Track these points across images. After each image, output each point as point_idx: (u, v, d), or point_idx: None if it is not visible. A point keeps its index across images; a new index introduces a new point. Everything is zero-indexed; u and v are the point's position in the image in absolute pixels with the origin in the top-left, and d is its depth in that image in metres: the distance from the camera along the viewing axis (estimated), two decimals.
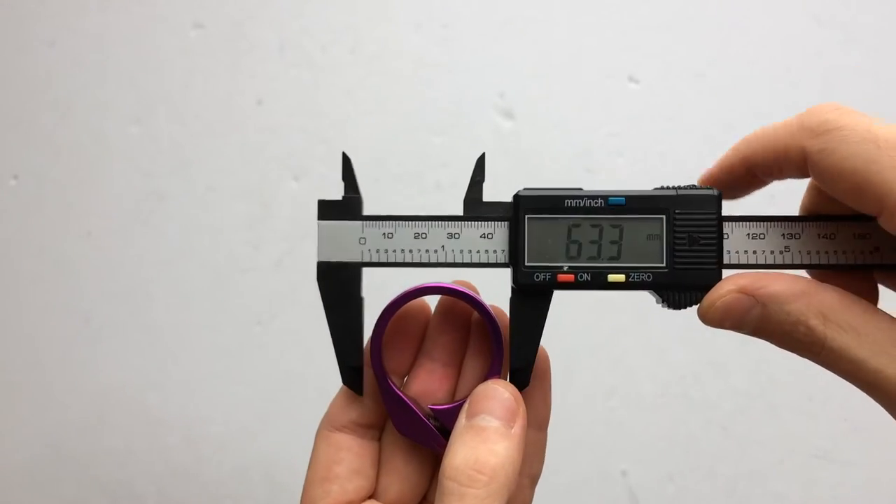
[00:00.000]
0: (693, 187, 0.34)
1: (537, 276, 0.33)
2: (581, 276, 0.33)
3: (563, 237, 0.33)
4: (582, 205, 0.34)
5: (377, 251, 0.34)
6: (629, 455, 0.72)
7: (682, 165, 0.75)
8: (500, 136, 0.78)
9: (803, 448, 0.71)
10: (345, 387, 0.35)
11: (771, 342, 0.31)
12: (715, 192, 0.33)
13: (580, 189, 0.34)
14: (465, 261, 0.34)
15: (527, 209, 0.34)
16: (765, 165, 0.32)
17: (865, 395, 0.30)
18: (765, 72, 0.75)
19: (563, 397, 0.72)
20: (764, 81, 0.75)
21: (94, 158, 0.83)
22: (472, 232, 0.34)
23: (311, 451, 0.35)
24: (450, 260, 0.34)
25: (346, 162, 0.36)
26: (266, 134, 0.81)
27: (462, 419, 0.32)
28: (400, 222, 0.34)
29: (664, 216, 0.33)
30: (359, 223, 0.35)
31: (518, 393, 0.33)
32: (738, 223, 0.33)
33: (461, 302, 0.36)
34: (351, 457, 0.34)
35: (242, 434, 0.77)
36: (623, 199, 0.33)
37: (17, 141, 0.85)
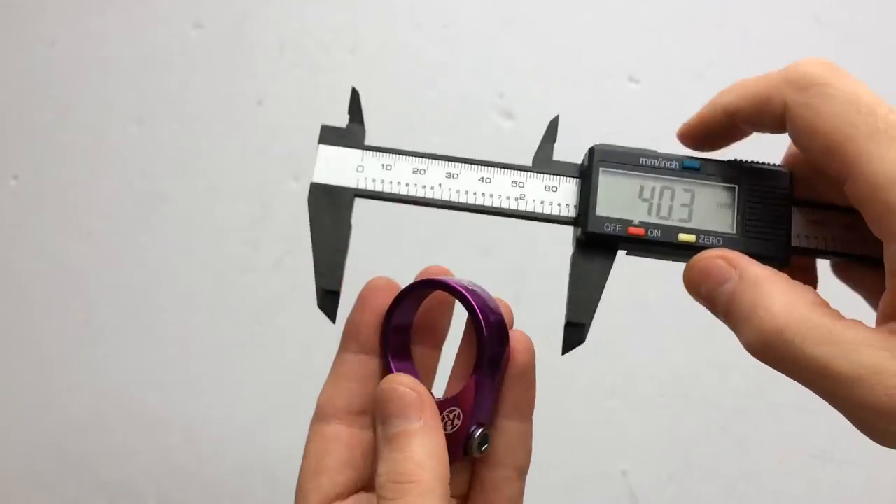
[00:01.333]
0: (766, 163, 0.33)
1: (608, 227, 0.32)
2: (651, 233, 0.32)
3: (635, 194, 0.33)
4: (657, 164, 0.33)
5: (373, 180, 0.34)
6: (629, 455, 0.72)
7: None
8: (500, 136, 0.78)
9: (803, 448, 0.71)
10: (333, 371, 0.34)
11: (732, 329, 0.30)
12: (787, 169, 0.33)
13: (654, 150, 0.34)
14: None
15: (601, 160, 0.33)
16: (744, 114, 0.32)
17: None
18: (765, 72, 0.75)
19: (563, 397, 0.72)
20: None
21: (94, 158, 0.83)
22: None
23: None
24: (446, 198, 0.34)
25: (355, 95, 0.36)
26: (266, 134, 0.81)
27: (378, 428, 0.31)
28: (400, 156, 0.35)
29: (736, 186, 0.33)
30: (359, 151, 0.34)
31: (415, 382, 0.31)
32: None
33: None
34: (340, 448, 0.33)
35: (242, 434, 0.77)
36: (698, 162, 0.33)
37: (17, 141, 0.85)
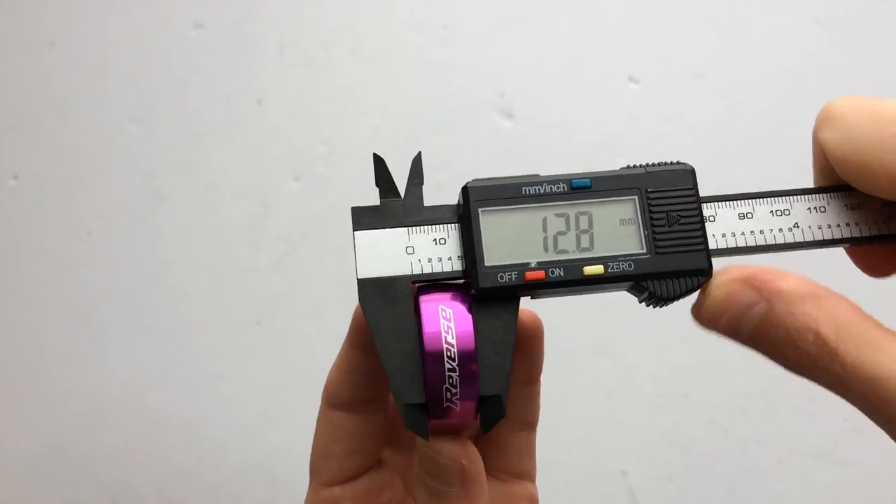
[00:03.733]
0: (663, 164, 0.30)
1: (501, 277, 0.28)
2: (553, 272, 0.28)
3: (525, 230, 0.29)
4: (542, 191, 0.29)
5: (429, 261, 0.29)
6: (629, 455, 0.72)
7: None
8: (500, 136, 0.78)
9: (803, 448, 0.71)
10: (339, 360, 0.33)
11: (767, 353, 0.27)
12: (688, 166, 0.30)
13: (536, 175, 0.30)
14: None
15: (478, 200, 0.29)
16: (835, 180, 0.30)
17: None
18: (765, 72, 0.75)
19: (563, 397, 0.72)
20: (764, 81, 0.75)
21: (94, 158, 0.83)
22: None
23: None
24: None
25: (379, 163, 0.31)
26: (266, 134, 0.81)
27: (417, 467, 0.30)
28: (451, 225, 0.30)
29: (636, 196, 0.29)
30: (404, 230, 0.29)
31: (460, 448, 0.29)
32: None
33: None
34: (346, 437, 0.33)
35: (242, 434, 0.77)
36: (588, 180, 0.29)
37: (17, 141, 0.85)
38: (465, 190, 0.29)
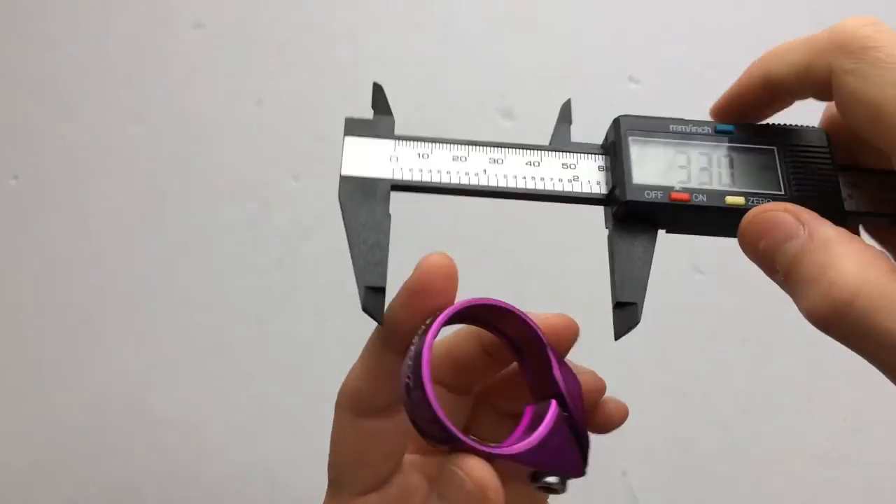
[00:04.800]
0: (793, 126, 0.32)
1: (648, 194, 0.30)
2: (696, 197, 0.30)
3: (670, 161, 0.31)
4: (688, 130, 0.32)
5: (410, 170, 0.31)
6: (629, 455, 0.72)
7: None
8: (500, 136, 0.78)
9: (803, 448, 0.71)
10: (368, 366, 0.31)
11: (793, 289, 0.26)
12: (822, 129, 0.31)
13: (682, 118, 0.32)
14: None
15: (630, 129, 0.31)
16: (786, 84, 0.30)
17: (866, 395, 0.29)
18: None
19: None
20: None
21: (94, 158, 0.83)
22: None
23: (331, 429, 0.32)
24: (492, 184, 0.31)
25: (378, 88, 0.33)
26: (266, 134, 0.81)
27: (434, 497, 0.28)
28: (437, 144, 0.31)
29: (775, 147, 0.31)
30: (391, 141, 0.31)
31: (488, 474, 0.26)
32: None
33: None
34: (382, 443, 0.31)
35: (242, 434, 0.77)
36: (731, 126, 0.32)
37: (17, 141, 0.85)
38: (617, 121, 0.32)
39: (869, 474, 0.70)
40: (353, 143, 0.31)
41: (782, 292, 0.27)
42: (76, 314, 0.80)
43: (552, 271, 0.73)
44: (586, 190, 0.31)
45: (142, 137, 0.83)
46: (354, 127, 0.32)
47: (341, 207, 0.30)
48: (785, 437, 0.71)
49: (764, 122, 0.32)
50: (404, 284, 0.30)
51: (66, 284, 0.81)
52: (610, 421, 0.33)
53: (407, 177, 0.31)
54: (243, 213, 0.80)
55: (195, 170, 0.81)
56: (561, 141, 0.33)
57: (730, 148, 0.31)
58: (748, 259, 0.28)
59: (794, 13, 0.76)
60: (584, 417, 0.31)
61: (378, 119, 0.32)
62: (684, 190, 0.30)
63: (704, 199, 0.30)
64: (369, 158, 0.31)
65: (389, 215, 0.30)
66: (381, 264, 0.29)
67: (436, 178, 0.31)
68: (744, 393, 0.72)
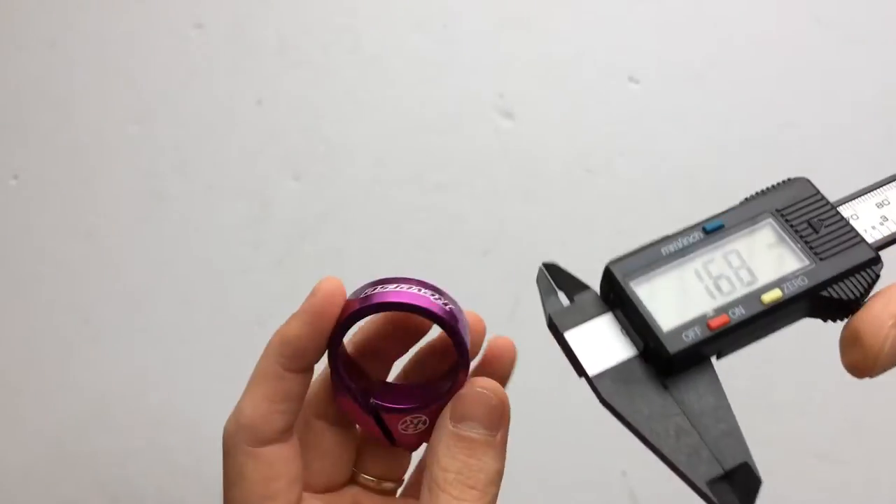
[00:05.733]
0: (773, 186, 0.30)
1: (686, 336, 0.27)
2: (733, 313, 0.27)
3: (683, 287, 0.28)
4: (680, 245, 0.29)
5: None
6: (629, 455, 0.72)
7: (683, 165, 0.75)
8: (500, 136, 0.78)
9: (803, 448, 0.71)
10: (266, 391, 0.32)
11: None
12: (802, 178, 0.30)
13: (666, 235, 0.29)
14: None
15: (626, 276, 0.28)
16: None
17: (866, 396, 0.29)
18: (765, 72, 0.75)
19: (562, 397, 0.72)
20: (764, 81, 0.75)
21: (94, 158, 0.83)
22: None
23: (223, 475, 0.32)
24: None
25: (551, 270, 0.30)
26: (266, 134, 0.81)
27: (447, 422, 0.30)
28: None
29: (770, 219, 0.29)
30: (608, 315, 0.28)
31: (505, 396, 0.30)
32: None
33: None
34: (286, 468, 0.32)
35: None
36: (720, 221, 0.29)
37: (17, 141, 0.85)
38: (608, 271, 0.29)
39: (869, 474, 0.70)
40: (575, 336, 0.28)
41: None
42: (76, 314, 0.80)
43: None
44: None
45: (142, 137, 0.83)
46: (565, 319, 0.28)
47: (616, 413, 0.26)
48: (785, 437, 0.71)
49: (741, 200, 0.30)
50: (303, 308, 0.32)
51: (66, 284, 0.81)
52: (497, 354, 0.34)
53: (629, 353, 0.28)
54: (243, 213, 0.80)
55: (195, 170, 0.82)
56: (562, 318, 0.29)
57: (729, 241, 0.29)
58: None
59: (795, 13, 0.76)
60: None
61: (577, 300, 0.29)
62: (719, 311, 0.27)
63: (744, 312, 0.27)
64: (604, 343, 0.28)
65: (665, 388, 0.27)
66: (703, 447, 0.26)
67: (629, 353, 0.28)
68: (744, 393, 0.72)
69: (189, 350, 0.78)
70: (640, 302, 0.27)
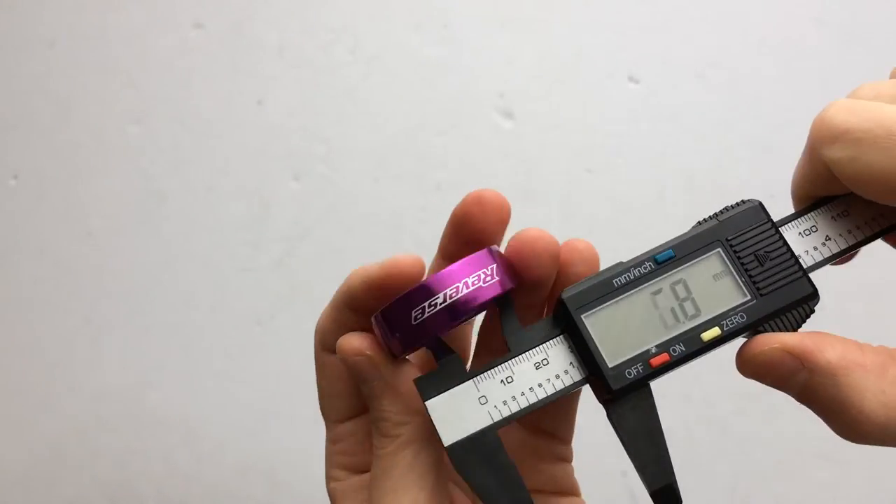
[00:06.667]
0: (730, 207, 0.30)
1: (629, 374, 0.29)
2: (674, 350, 0.29)
3: (631, 320, 0.29)
4: (632, 276, 0.30)
5: (505, 403, 0.29)
6: None
7: (682, 166, 0.75)
8: (500, 136, 0.78)
9: (803, 448, 0.71)
10: (331, 313, 0.34)
11: (816, 412, 0.28)
12: (754, 201, 0.30)
13: (620, 263, 0.30)
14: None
15: (578, 308, 0.29)
16: (813, 195, 0.30)
17: None
18: (765, 72, 0.75)
19: None
20: (764, 81, 0.75)
21: (94, 158, 0.83)
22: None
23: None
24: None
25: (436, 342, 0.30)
26: (266, 134, 0.81)
27: None
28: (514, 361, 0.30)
29: (719, 248, 0.30)
30: (470, 384, 0.29)
31: (364, 341, 0.31)
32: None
33: None
34: (345, 377, 0.35)
35: (242, 434, 0.77)
36: (670, 251, 0.30)
37: (17, 141, 0.85)
38: (561, 301, 0.30)
39: (869, 474, 0.70)
40: (436, 406, 0.29)
41: None
42: (76, 314, 0.80)
43: None
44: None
45: (141, 137, 0.83)
46: (428, 386, 0.29)
47: (465, 477, 0.28)
48: (785, 437, 0.71)
49: (697, 222, 0.31)
50: (383, 266, 0.31)
51: (66, 284, 0.81)
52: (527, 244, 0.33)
53: (506, 412, 0.29)
54: (243, 213, 0.80)
55: (195, 170, 0.82)
56: (518, 340, 0.30)
57: (678, 271, 0.30)
58: None
59: (795, 13, 0.76)
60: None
61: (444, 364, 0.30)
62: (660, 348, 0.29)
63: (684, 349, 0.29)
64: (460, 413, 0.29)
65: (513, 463, 0.29)
66: None
67: (537, 397, 0.29)
68: (744, 393, 0.72)
69: (189, 350, 0.78)
70: (590, 336, 0.29)
